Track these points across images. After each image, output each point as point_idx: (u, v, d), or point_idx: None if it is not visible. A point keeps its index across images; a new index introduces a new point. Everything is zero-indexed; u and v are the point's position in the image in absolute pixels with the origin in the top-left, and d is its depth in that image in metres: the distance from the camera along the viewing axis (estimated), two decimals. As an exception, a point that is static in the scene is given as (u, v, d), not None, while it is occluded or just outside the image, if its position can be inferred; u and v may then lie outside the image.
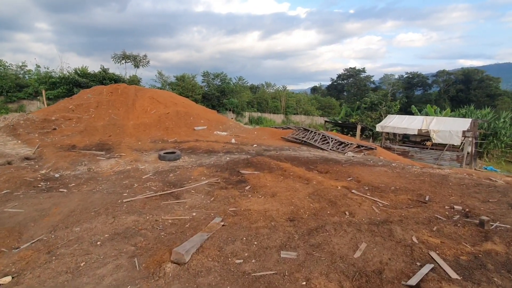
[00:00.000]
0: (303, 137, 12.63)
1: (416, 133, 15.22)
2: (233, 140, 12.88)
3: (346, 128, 23.42)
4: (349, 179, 6.60)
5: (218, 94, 34.61)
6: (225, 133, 14.93)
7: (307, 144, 12.16)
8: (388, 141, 16.99)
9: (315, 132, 12.59)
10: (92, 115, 15.67)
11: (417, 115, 19.88)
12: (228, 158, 9.14)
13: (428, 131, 14.72)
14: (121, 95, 18.12)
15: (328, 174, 7.09)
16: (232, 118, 27.65)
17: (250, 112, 39.04)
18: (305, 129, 13.45)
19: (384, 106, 22.80)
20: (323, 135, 12.12)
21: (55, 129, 12.80)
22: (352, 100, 41.16)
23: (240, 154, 10.10)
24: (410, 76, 58.49)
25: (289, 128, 16.64)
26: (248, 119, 38.26)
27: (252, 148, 11.46)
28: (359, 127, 18.74)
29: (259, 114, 39.87)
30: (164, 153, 9.05)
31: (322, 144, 11.67)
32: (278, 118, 41.93)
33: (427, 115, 19.13)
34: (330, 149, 11.03)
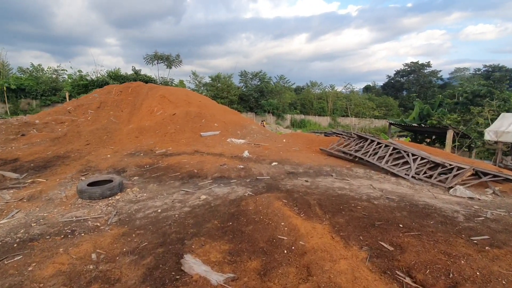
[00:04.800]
0: (357, 150, 7.28)
1: None
2: (245, 153, 8.15)
3: (421, 134, 16.27)
4: None
5: (257, 94, 30.23)
6: (241, 141, 10.29)
7: (365, 164, 6.78)
8: (511, 158, 10.15)
9: (378, 143, 7.11)
10: (88, 118, 12.53)
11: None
12: (203, 198, 4.43)
13: None
14: (131, 94, 14.85)
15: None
16: (264, 122, 22.90)
17: (292, 114, 33.82)
18: (360, 136, 8.03)
19: (496, 100, 14.67)
20: (394, 148, 6.61)
21: (23, 135, 9.70)
22: (430, 96, 32.06)
23: (238, 184, 5.34)
24: (490, 69, 46.40)
25: (335, 134, 11.22)
26: (290, 122, 33.10)
27: (268, 168, 6.58)
28: (450, 134, 11.88)
29: (303, 116, 34.37)
30: (89, 183, 4.75)
31: (395, 165, 6.19)
32: (324, 120, 35.83)
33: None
34: (413, 177, 5.54)
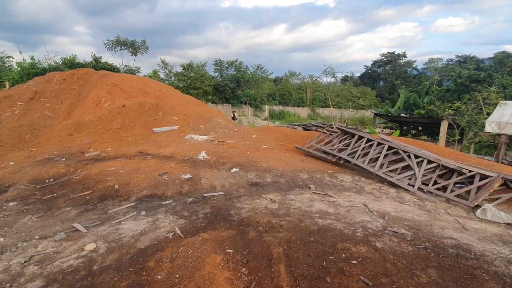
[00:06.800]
0: (341, 150, 5.60)
1: None
2: (202, 155, 6.26)
3: (406, 125, 15.01)
4: None
5: (233, 84, 28.06)
6: (203, 138, 8.37)
7: (352, 168, 5.12)
8: (517, 152, 8.84)
9: (368, 140, 5.48)
10: (15, 112, 10.00)
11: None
12: (90, 248, 2.52)
13: None
14: (77, 82, 12.33)
15: None
16: (236, 114, 20.94)
17: (270, 105, 32.03)
18: (344, 131, 6.36)
19: (494, 86, 13.23)
20: (390, 147, 5.00)
21: None
22: (415, 83, 30.70)
23: (171, 209, 3.48)
24: (462, 60, 46.73)
25: (315, 127, 9.53)
26: (269, 113, 31.33)
27: (224, 177, 4.74)
28: (445, 125, 10.51)
29: (281, 107, 32.70)
30: None
31: (392, 170, 4.56)
32: (304, 111, 34.41)
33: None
34: (421, 189, 3.93)
